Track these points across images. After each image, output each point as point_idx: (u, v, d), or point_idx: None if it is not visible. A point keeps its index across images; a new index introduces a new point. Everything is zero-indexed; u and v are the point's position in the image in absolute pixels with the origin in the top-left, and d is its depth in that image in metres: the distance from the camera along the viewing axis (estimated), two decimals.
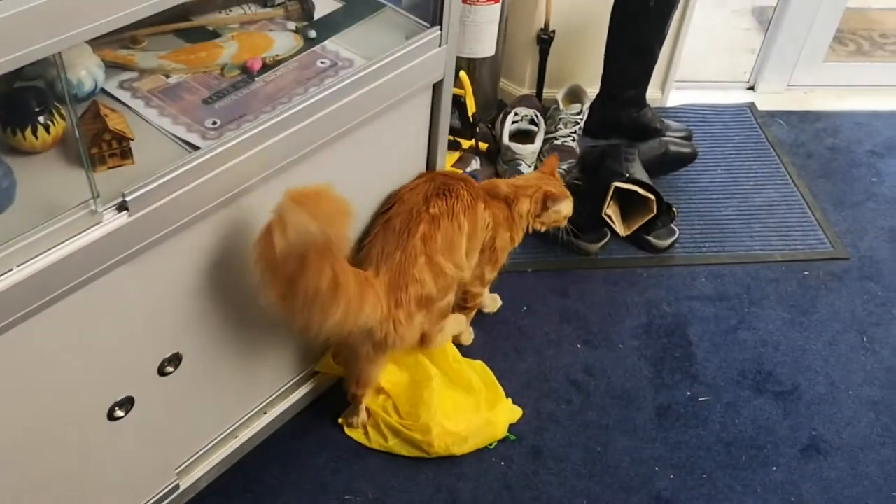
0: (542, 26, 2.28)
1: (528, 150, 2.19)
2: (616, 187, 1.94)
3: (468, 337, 1.80)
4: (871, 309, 1.99)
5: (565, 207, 1.70)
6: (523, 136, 2.27)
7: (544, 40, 2.30)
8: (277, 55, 1.28)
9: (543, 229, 1.73)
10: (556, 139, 2.27)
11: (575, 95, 2.38)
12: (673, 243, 2.08)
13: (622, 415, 1.74)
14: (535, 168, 2.21)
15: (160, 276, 1.15)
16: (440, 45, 1.36)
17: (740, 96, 2.65)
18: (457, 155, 2.22)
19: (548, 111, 2.35)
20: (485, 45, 2.20)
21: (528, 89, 2.45)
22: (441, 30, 1.34)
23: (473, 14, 2.12)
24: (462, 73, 2.06)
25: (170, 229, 1.10)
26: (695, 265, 2.07)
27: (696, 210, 2.22)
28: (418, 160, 1.54)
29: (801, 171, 2.37)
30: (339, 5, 1.42)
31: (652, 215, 1.97)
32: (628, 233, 2.00)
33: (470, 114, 2.12)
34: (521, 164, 2.19)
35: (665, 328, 1.91)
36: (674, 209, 2.09)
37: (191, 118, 1.16)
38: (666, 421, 1.73)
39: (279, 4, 1.37)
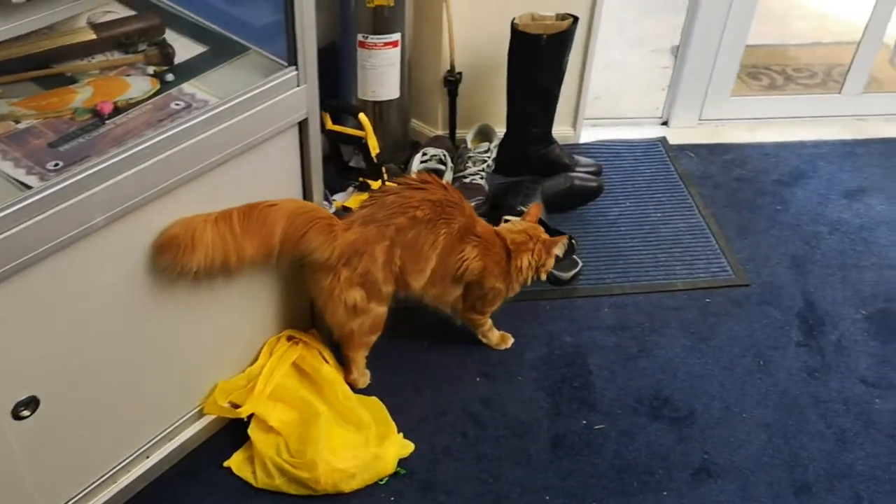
0: (448, 68, 2.34)
1: None
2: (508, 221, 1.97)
3: (364, 381, 1.81)
4: (768, 333, 2.01)
5: (561, 248, 1.82)
6: None
7: (451, 82, 2.35)
8: (131, 98, 1.31)
9: (545, 277, 1.83)
10: (465, 177, 2.31)
11: (484, 134, 2.43)
12: (576, 275, 2.11)
13: (517, 446, 1.74)
14: None
15: (6, 318, 1.16)
16: (298, 85, 1.40)
17: (654, 131, 2.71)
18: (365, 196, 2.25)
19: (458, 150, 2.39)
20: (388, 89, 2.25)
21: (440, 130, 2.50)
22: (297, 70, 1.38)
23: (373, 58, 2.18)
24: (361, 115, 2.10)
25: (8, 268, 1.11)
26: (598, 296, 2.10)
27: (603, 242, 2.26)
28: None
29: (709, 201, 2.42)
30: (203, 49, 1.46)
31: None
32: None
33: (374, 154, 2.16)
34: None
35: (565, 359, 1.93)
36: (574, 241, 2.12)
37: (33, 161, 1.18)
38: (560, 450, 1.74)
39: (140, 51, 1.41)
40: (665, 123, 2.75)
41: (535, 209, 1.88)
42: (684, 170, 2.53)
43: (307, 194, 1.57)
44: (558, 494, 1.65)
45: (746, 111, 2.76)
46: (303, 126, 1.47)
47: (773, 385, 1.89)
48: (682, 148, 2.63)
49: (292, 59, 1.37)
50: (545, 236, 1.81)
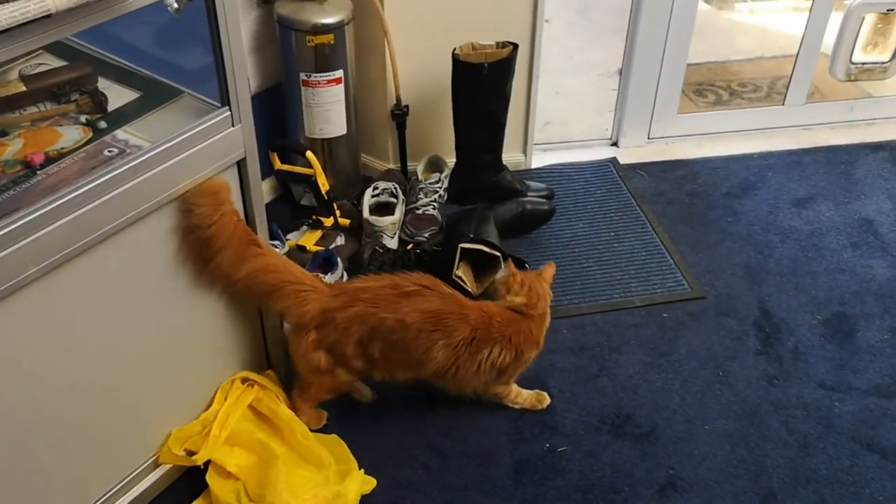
0: (395, 102, 2.35)
1: (388, 222, 2.23)
2: (462, 248, 1.98)
3: (317, 422, 1.78)
4: (726, 344, 2.02)
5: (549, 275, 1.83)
6: (385, 209, 2.32)
7: (398, 115, 2.37)
8: (63, 148, 1.31)
9: None
10: (418, 209, 2.32)
11: (435, 165, 2.44)
12: None
13: (480, 474, 1.72)
14: (400, 237, 2.27)
15: None
16: (233, 125, 1.40)
17: (605, 153, 2.74)
18: (319, 233, 2.25)
19: (410, 183, 2.40)
20: (335, 125, 2.26)
21: (391, 163, 2.51)
22: (230, 110, 1.38)
23: (317, 96, 2.19)
24: (309, 153, 2.11)
25: None
26: (556, 318, 2.09)
27: (559, 264, 2.23)
28: None
29: (662, 218, 2.44)
30: (136, 95, 1.45)
31: None
32: (480, 291, 2.03)
33: (324, 191, 2.16)
34: (382, 237, 2.23)
35: (525, 383, 1.91)
36: (526, 265, 2.13)
37: None
38: (524, 475, 1.72)
39: (73, 100, 1.40)
40: (615, 144, 2.78)
41: (548, 270, 1.82)
42: (636, 188, 2.56)
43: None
44: None
45: (694, 127, 2.80)
46: (241, 166, 1.47)
47: (734, 395, 1.89)
48: (633, 167, 2.66)
49: (225, 100, 1.38)
50: (534, 276, 1.77)
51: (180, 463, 1.62)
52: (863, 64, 2.76)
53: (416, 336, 1.61)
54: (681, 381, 1.93)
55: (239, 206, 1.52)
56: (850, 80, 2.80)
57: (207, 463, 1.62)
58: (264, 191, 2.35)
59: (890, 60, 2.75)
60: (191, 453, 1.62)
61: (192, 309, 1.54)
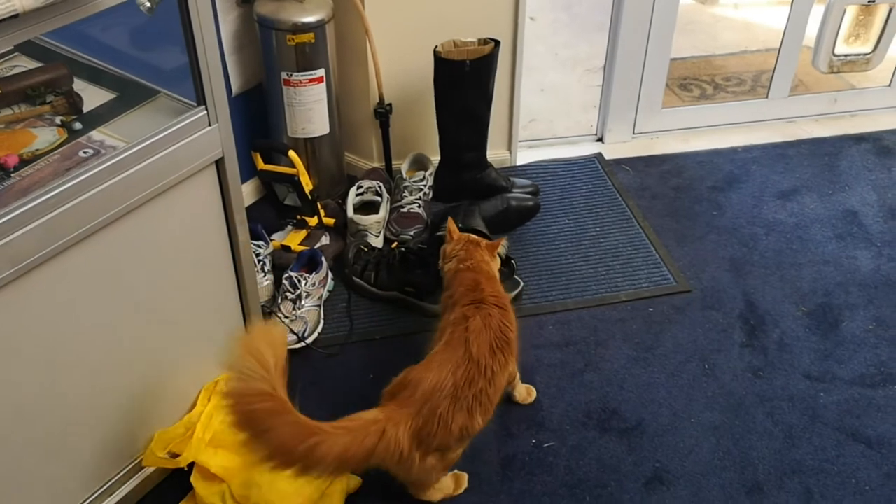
0: (378, 100, 2.35)
1: (373, 220, 2.23)
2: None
3: (459, 485, 1.69)
4: (712, 336, 2.02)
5: (503, 250, 1.83)
6: (369, 208, 2.31)
7: (381, 113, 2.36)
8: (37, 150, 1.30)
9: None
10: (403, 207, 2.31)
11: (419, 163, 2.44)
12: (518, 294, 2.11)
13: (467, 470, 1.71)
14: (385, 236, 2.26)
15: None
16: (210, 125, 1.39)
17: (590, 148, 2.74)
18: (303, 233, 2.25)
19: (394, 181, 2.40)
20: (317, 125, 2.25)
21: (376, 162, 2.50)
22: (207, 109, 1.37)
23: (299, 96, 2.18)
24: (291, 153, 2.10)
25: None
26: (542, 314, 2.10)
27: (545, 260, 2.26)
28: (217, 240, 1.55)
29: (647, 212, 2.44)
30: (112, 96, 1.45)
31: None
32: None
33: (307, 191, 2.15)
34: (367, 235, 2.22)
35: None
36: (513, 261, 2.13)
37: None
38: (511, 471, 1.72)
39: (47, 102, 1.40)
40: (600, 140, 2.78)
41: (450, 225, 1.83)
42: (621, 183, 2.56)
43: (232, 233, 1.55)
44: None
45: (679, 122, 2.80)
46: (220, 166, 1.46)
47: (720, 388, 1.89)
48: (618, 162, 2.66)
49: (201, 99, 1.37)
50: (477, 241, 1.78)
51: (164, 465, 1.61)
52: (845, 56, 2.77)
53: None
54: (667, 375, 1.93)
55: (218, 207, 1.52)
56: (833, 73, 2.81)
57: (192, 465, 1.61)
58: (248, 192, 2.36)
59: (872, 52, 2.75)
60: (175, 455, 1.61)
61: (174, 310, 1.53)
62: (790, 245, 2.31)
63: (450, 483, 1.67)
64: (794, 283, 2.18)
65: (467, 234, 1.82)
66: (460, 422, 1.50)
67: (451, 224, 1.85)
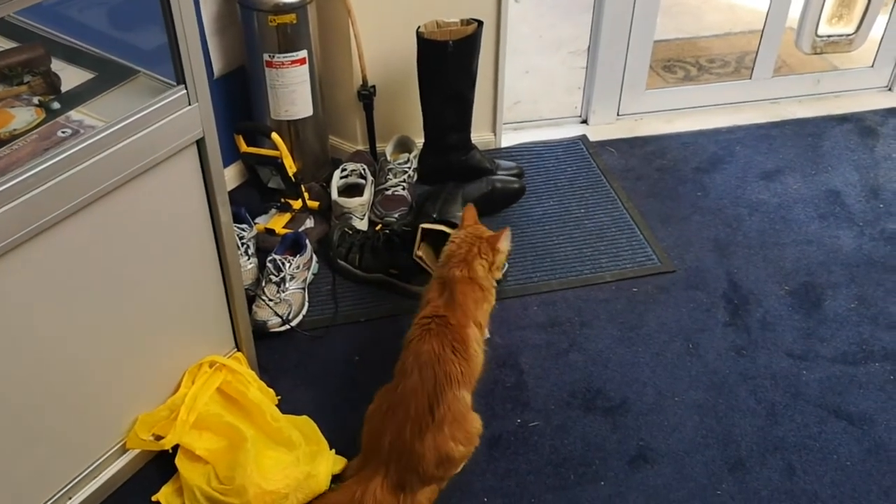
0: (361, 82, 2.33)
1: (357, 203, 2.22)
2: (424, 229, 1.97)
3: None
4: (696, 316, 2.03)
5: (506, 243, 1.74)
6: (353, 191, 2.30)
7: (365, 95, 2.35)
8: (14, 130, 1.28)
9: (500, 276, 1.77)
10: (387, 189, 2.31)
11: (404, 146, 2.43)
12: (503, 276, 2.11)
13: None
14: (370, 220, 2.25)
15: None
16: (190, 104, 1.38)
17: (575, 130, 2.74)
18: (287, 216, 2.24)
19: (379, 164, 2.39)
20: (300, 107, 2.24)
21: (361, 145, 2.49)
22: (186, 88, 1.36)
23: (281, 77, 2.17)
24: (274, 135, 2.09)
25: None
26: (527, 295, 2.10)
27: (530, 242, 2.26)
28: (200, 221, 1.54)
29: (631, 193, 2.44)
30: (91, 76, 1.43)
31: None
32: None
33: (291, 174, 2.14)
34: (352, 218, 2.22)
35: (497, 360, 1.92)
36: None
37: None
38: (496, 451, 1.73)
39: (25, 82, 1.38)
40: (585, 122, 2.78)
41: (469, 211, 1.78)
42: (605, 165, 2.56)
43: (213, 214, 1.54)
44: (497, 495, 1.64)
45: (663, 103, 2.80)
46: (201, 146, 1.45)
47: (703, 366, 1.90)
48: (603, 144, 2.66)
49: (180, 78, 1.36)
50: (485, 235, 1.74)
51: (148, 448, 1.61)
52: (828, 37, 2.78)
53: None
54: (651, 355, 1.94)
55: (199, 187, 1.50)
56: (816, 54, 2.82)
57: (176, 447, 1.61)
58: (231, 175, 2.35)
59: (855, 32, 2.76)
60: (159, 438, 1.61)
61: (156, 292, 1.52)
62: (773, 225, 2.32)
63: None
64: (778, 262, 2.19)
65: (473, 233, 1.74)
66: (430, 445, 1.50)
67: (469, 212, 1.77)
